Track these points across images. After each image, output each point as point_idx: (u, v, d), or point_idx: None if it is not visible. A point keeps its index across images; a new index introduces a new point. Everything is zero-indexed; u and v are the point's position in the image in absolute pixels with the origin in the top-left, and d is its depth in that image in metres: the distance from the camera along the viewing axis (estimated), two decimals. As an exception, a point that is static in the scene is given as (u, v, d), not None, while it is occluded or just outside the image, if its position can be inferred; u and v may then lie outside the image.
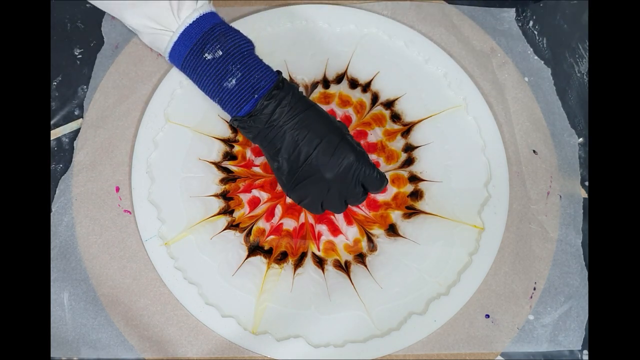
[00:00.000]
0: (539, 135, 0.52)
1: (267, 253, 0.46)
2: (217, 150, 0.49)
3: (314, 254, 0.47)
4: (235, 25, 0.51)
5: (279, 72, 0.43)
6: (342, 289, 0.46)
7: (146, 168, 0.48)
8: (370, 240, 0.47)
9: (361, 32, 0.54)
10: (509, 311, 0.46)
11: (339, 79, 0.52)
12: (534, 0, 0.58)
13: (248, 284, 0.45)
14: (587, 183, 0.51)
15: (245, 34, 0.44)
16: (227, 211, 0.48)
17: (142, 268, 0.46)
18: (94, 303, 0.45)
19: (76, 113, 0.51)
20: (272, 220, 0.48)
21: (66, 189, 0.48)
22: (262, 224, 0.47)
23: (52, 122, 0.50)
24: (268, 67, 0.42)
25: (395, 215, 0.48)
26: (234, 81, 0.41)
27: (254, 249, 0.47)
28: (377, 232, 0.48)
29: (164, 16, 0.41)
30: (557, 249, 0.49)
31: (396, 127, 0.51)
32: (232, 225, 0.47)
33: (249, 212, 0.48)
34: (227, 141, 0.50)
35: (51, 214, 0.47)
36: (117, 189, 0.48)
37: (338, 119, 0.51)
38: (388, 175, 0.49)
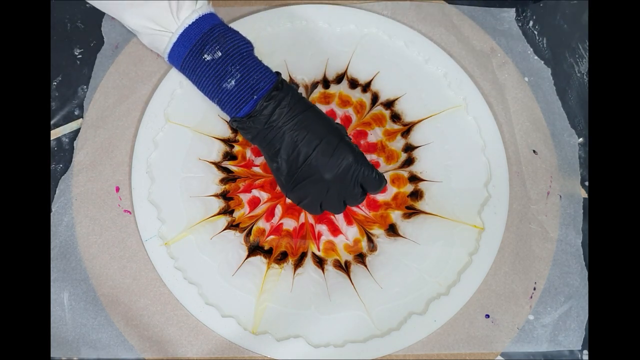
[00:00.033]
0: (539, 135, 0.52)
1: (267, 253, 0.46)
2: (217, 150, 0.49)
3: (314, 254, 0.47)
4: (235, 25, 0.51)
5: (278, 73, 0.43)
6: (342, 289, 0.46)
7: (146, 168, 0.48)
8: (370, 240, 0.47)
9: (361, 32, 0.54)
10: (509, 311, 0.46)
11: (339, 79, 0.52)
12: (534, 0, 0.58)
13: (248, 284, 0.45)
14: (587, 183, 0.51)
15: (245, 34, 0.44)
16: (227, 211, 0.48)
17: (142, 268, 0.46)
18: (94, 303, 0.45)
19: (76, 113, 0.51)
20: (272, 220, 0.48)
21: (66, 189, 0.48)
22: (262, 224, 0.47)
23: (52, 122, 0.50)
24: (267, 68, 0.43)
25: (395, 215, 0.48)
26: (233, 82, 0.41)
27: (254, 249, 0.47)
28: (377, 232, 0.48)
29: (163, 17, 0.41)
30: (557, 249, 0.49)
31: (396, 127, 0.51)
32: (232, 225, 0.47)
33: (249, 212, 0.48)
34: (227, 141, 0.50)
35: (51, 214, 0.47)
36: (117, 189, 0.48)
37: (338, 119, 0.51)
38: (388, 175, 0.49)
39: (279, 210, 0.48)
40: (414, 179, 0.49)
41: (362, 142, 0.50)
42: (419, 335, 0.45)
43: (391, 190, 0.49)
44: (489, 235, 0.48)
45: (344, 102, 0.51)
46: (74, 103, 0.51)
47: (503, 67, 0.54)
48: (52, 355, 0.44)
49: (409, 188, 0.49)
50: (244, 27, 0.51)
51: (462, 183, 0.49)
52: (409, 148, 0.50)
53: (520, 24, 0.56)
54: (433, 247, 0.47)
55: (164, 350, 0.44)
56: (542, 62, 0.55)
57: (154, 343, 0.44)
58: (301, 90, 0.52)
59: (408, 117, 0.51)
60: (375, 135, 0.51)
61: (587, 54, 0.56)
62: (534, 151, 0.51)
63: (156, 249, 0.46)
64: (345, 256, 0.47)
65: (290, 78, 0.52)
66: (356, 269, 0.46)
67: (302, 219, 0.48)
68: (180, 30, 0.42)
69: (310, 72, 0.52)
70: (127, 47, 0.52)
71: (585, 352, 0.46)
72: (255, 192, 0.48)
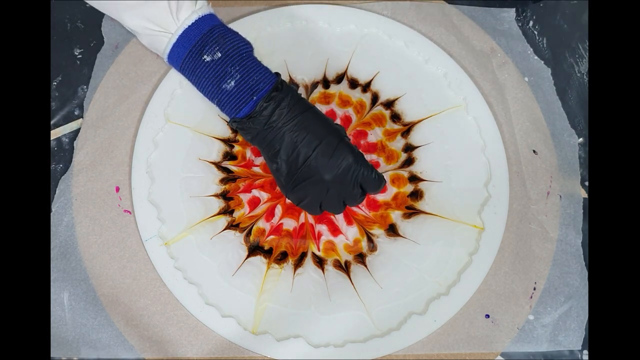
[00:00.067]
0: (539, 135, 0.52)
1: (267, 253, 0.47)
2: (217, 150, 0.49)
3: (314, 254, 0.47)
4: (235, 25, 0.51)
5: (277, 74, 0.43)
6: (342, 289, 0.46)
7: (146, 168, 0.48)
8: (370, 240, 0.47)
9: (361, 32, 0.54)
10: (509, 311, 0.46)
11: (339, 79, 0.52)
12: (534, 0, 0.57)
13: (248, 284, 0.45)
14: (587, 183, 0.51)
15: (245, 34, 0.44)
16: (227, 211, 0.48)
17: (142, 268, 0.46)
18: (94, 303, 0.45)
19: (76, 113, 0.51)
20: (272, 220, 0.48)
21: (66, 189, 0.48)
22: (262, 224, 0.47)
23: (52, 122, 0.50)
24: (267, 68, 0.43)
25: (395, 215, 0.48)
26: (232, 83, 0.41)
27: (254, 249, 0.47)
28: (377, 232, 0.48)
29: (162, 18, 0.41)
30: (557, 249, 0.49)
31: (396, 127, 0.51)
32: (232, 225, 0.47)
33: (249, 212, 0.48)
34: (227, 141, 0.50)
35: (51, 214, 0.47)
36: (117, 189, 0.48)
37: (338, 119, 0.51)
38: (388, 175, 0.49)
39: (279, 210, 0.48)
40: (414, 179, 0.49)
41: (362, 142, 0.50)
42: (419, 335, 0.45)
43: (391, 190, 0.49)
44: (489, 235, 0.48)
45: (344, 102, 0.51)
46: (74, 103, 0.51)
47: (503, 67, 0.54)
48: (52, 355, 0.44)
49: (409, 188, 0.49)
50: (244, 27, 0.51)
51: (462, 183, 0.49)
52: (409, 148, 0.50)
53: (520, 24, 0.56)
54: (433, 247, 0.47)
55: (164, 350, 0.44)
56: (542, 62, 0.55)
57: (154, 343, 0.44)
58: (301, 90, 0.52)
59: (408, 117, 0.51)
60: (375, 135, 0.51)
61: (587, 54, 0.56)
62: (534, 151, 0.51)
63: (156, 249, 0.46)
64: (345, 256, 0.47)
65: (290, 78, 0.52)
66: (356, 269, 0.46)
67: (302, 219, 0.48)
68: (180, 31, 0.42)
69: (310, 72, 0.52)
70: (127, 47, 0.52)
71: (585, 352, 0.46)
72: (255, 192, 0.48)
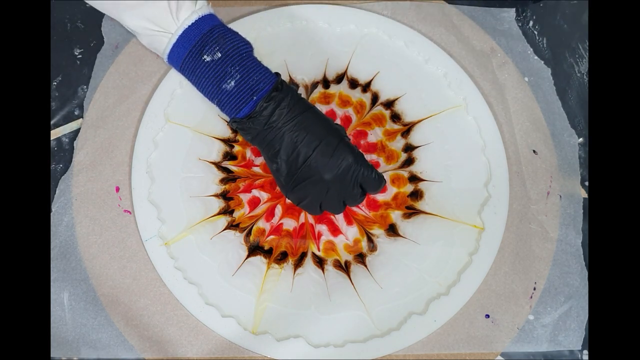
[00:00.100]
0: (539, 135, 0.52)
1: (267, 253, 0.47)
2: (217, 150, 0.49)
3: (314, 254, 0.47)
4: (235, 25, 0.51)
5: (277, 74, 0.43)
6: (342, 289, 0.46)
7: (146, 168, 0.48)
8: (370, 240, 0.47)
9: (361, 32, 0.54)
10: (509, 311, 0.46)
11: (339, 79, 0.52)
12: (534, 0, 0.57)
13: (248, 284, 0.45)
14: (587, 183, 0.51)
15: (245, 34, 0.44)
16: (227, 211, 0.48)
17: (142, 268, 0.46)
18: (94, 303, 0.45)
19: (76, 113, 0.51)
20: (272, 220, 0.48)
21: (66, 189, 0.48)
22: (262, 224, 0.47)
23: (52, 122, 0.50)
24: (267, 69, 0.43)
25: (395, 215, 0.48)
26: (232, 83, 0.41)
27: (254, 249, 0.47)
28: (377, 232, 0.48)
29: (162, 18, 0.41)
30: (557, 249, 0.48)
31: (396, 127, 0.51)
32: (232, 225, 0.47)
33: (249, 212, 0.48)
34: (227, 141, 0.50)
35: (51, 214, 0.47)
36: (117, 189, 0.48)
37: (338, 119, 0.51)
38: (388, 175, 0.49)
39: (279, 210, 0.48)
40: (414, 179, 0.49)
41: (362, 142, 0.50)
42: (419, 335, 0.45)
43: (391, 190, 0.49)
44: (489, 235, 0.48)
45: (344, 102, 0.51)
46: (74, 103, 0.51)
47: (503, 67, 0.54)
48: (52, 355, 0.44)
49: (409, 188, 0.49)
50: (244, 27, 0.51)
51: (462, 183, 0.49)
52: (409, 148, 0.50)
53: (520, 24, 0.56)
54: (433, 247, 0.47)
55: (164, 350, 0.44)
56: (542, 62, 0.55)
57: (154, 343, 0.44)
58: (301, 90, 0.52)
59: (408, 117, 0.51)
60: (375, 135, 0.51)
61: (587, 54, 0.56)
62: (534, 151, 0.51)
63: (156, 249, 0.46)
64: (345, 256, 0.47)
65: (290, 78, 0.52)
66: (356, 269, 0.46)
67: (302, 219, 0.48)
68: (180, 32, 0.42)
69: (310, 72, 0.52)
70: (127, 47, 0.52)
71: (585, 352, 0.46)
72: (255, 192, 0.48)
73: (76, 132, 0.50)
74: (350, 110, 0.51)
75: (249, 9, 0.54)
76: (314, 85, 0.52)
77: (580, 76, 0.55)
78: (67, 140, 0.50)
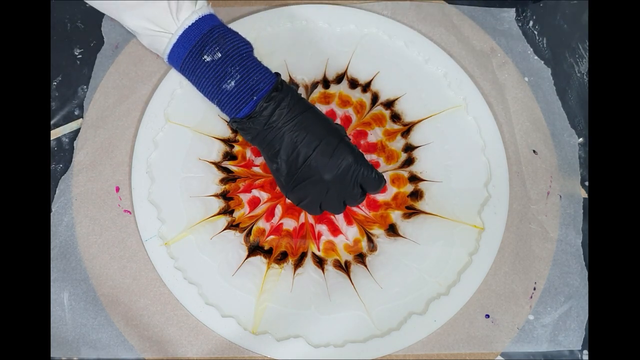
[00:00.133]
0: (539, 135, 0.52)
1: (267, 253, 0.46)
2: (217, 150, 0.49)
3: (314, 254, 0.47)
4: (235, 25, 0.51)
5: (277, 74, 0.43)
6: (342, 289, 0.46)
7: (146, 168, 0.48)
8: (370, 240, 0.47)
9: (361, 32, 0.54)
10: (509, 311, 0.46)
11: (339, 79, 0.52)
12: (534, 0, 0.57)
13: (248, 284, 0.45)
14: (587, 183, 0.51)
15: (245, 34, 0.44)
16: (227, 211, 0.48)
17: (142, 268, 0.46)
18: (94, 303, 0.45)
19: (76, 113, 0.51)
20: (272, 220, 0.48)
21: (66, 189, 0.48)
22: (262, 224, 0.47)
23: (52, 122, 0.50)
24: (267, 69, 0.43)
25: (395, 215, 0.48)
26: (232, 83, 0.41)
27: (254, 249, 0.47)
28: (377, 232, 0.48)
29: (162, 18, 0.41)
30: (557, 249, 0.48)
31: (396, 127, 0.51)
32: (232, 225, 0.47)
33: (249, 212, 0.48)
34: (227, 141, 0.50)
35: (51, 214, 0.47)
36: (117, 189, 0.48)
37: (338, 119, 0.51)
38: (388, 175, 0.49)
39: (279, 210, 0.48)
40: (414, 179, 0.49)
41: (362, 142, 0.50)
42: (419, 335, 0.45)
43: (391, 190, 0.49)
44: (489, 235, 0.48)
45: (344, 102, 0.51)
46: (74, 103, 0.51)
47: (503, 67, 0.54)
48: (52, 355, 0.44)
49: (409, 188, 0.49)
50: (244, 27, 0.51)
51: (462, 183, 0.49)
52: (409, 148, 0.50)
53: (520, 24, 0.56)
54: (433, 247, 0.47)
55: (164, 350, 0.44)
56: (542, 62, 0.55)
57: (154, 343, 0.44)
58: (301, 90, 0.52)
59: (408, 117, 0.51)
60: (375, 135, 0.51)
61: (587, 54, 0.56)
62: (534, 151, 0.51)
63: (156, 249, 0.46)
64: (345, 256, 0.47)
65: (290, 78, 0.52)
66: (356, 269, 0.46)
67: (302, 219, 0.48)
68: (180, 32, 0.42)
69: (310, 72, 0.52)
70: (127, 47, 0.52)
71: (585, 352, 0.46)
72: (255, 192, 0.48)
73: (76, 132, 0.50)
74: (350, 110, 0.51)
75: (249, 9, 0.54)
76: (314, 85, 0.52)
77: (580, 76, 0.55)
78: (67, 140, 0.50)
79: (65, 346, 0.44)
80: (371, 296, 0.46)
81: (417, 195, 0.49)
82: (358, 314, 0.45)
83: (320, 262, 0.46)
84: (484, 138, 0.51)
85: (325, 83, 0.52)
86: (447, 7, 0.56)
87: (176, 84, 0.50)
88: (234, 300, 0.45)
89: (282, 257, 0.46)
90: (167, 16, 0.41)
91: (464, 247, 0.47)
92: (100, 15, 0.53)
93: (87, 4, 0.44)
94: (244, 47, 0.42)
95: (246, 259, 0.46)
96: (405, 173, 0.50)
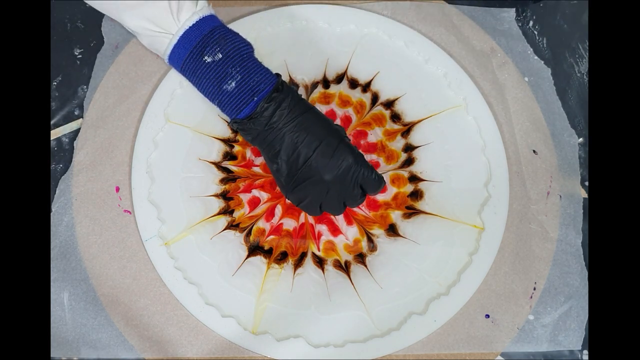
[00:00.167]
0: (539, 135, 0.52)
1: (267, 253, 0.47)
2: (217, 150, 0.49)
3: (314, 254, 0.47)
4: (235, 25, 0.51)
5: (278, 75, 0.43)
6: (342, 289, 0.46)
7: (146, 168, 0.48)
8: (370, 240, 0.47)
9: (361, 32, 0.54)
10: (509, 311, 0.46)
11: (339, 79, 0.52)
12: (534, 0, 0.58)
13: (248, 284, 0.45)
14: (587, 183, 0.51)
15: (245, 34, 0.44)
16: (227, 211, 0.48)
17: (142, 268, 0.46)
18: (94, 303, 0.45)
19: (76, 113, 0.51)
20: (272, 220, 0.48)
21: (66, 189, 0.48)
22: (262, 224, 0.47)
23: (52, 122, 0.50)
24: (267, 69, 0.43)
25: (395, 215, 0.48)
26: (233, 84, 0.41)
27: (254, 249, 0.47)
28: (377, 232, 0.48)
29: (163, 18, 0.41)
30: (557, 249, 0.49)
31: (396, 127, 0.51)
32: (232, 225, 0.47)
33: (249, 212, 0.48)
34: (227, 141, 0.50)
35: (51, 214, 0.47)
36: (117, 189, 0.48)
37: (338, 119, 0.51)
38: (388, 175, 0.49)
39: (279, 210, 0.48)
40: (414, 179, 0.49)
41: (362, 142, 0.50)
42: (419, 335, 0.45)
43: (391, 190, 0.49)
44: (489, 235, 0.48)
45: (344, 102, 0.51)
46: (74, 103, 0.51)
47: (503, 67, 0.54)
48: (52, 355, 0.44)
49: (409, 188, 0.49)
50: (244, 27, 0.51)
51: (462, 183, 0.49)
52: (409, 148, 0.50)
53: (520, 24, 0.56)
54: (433, 247, 0.47)
55: (164, 350, 0.44)
56: (542, 62, 0.55)
57: (154, 343, 0.44)
58: (301, 90, 0.52)
59: (408, 117, 0.51)
60: (375, 135, 0.51)
61: (587, 54, 0.56)
62: (534, 151, 0.51)
63: (156, 249, 0.46)
64: (345, 256, 0.47)
65: (290, 78, 0.52)
66: (356, 269, 0.46)
67: (302, 219, 0.48)
68: (181, 32, 0.42)
69: (310, 72, 0.52)
70: (127, 47, 0.52)
71: (585, 352, 0.46)
72: (255, 192, 0.48)
73: (76, 132, 0.50)
74: (350, 110, 0.51)
75: (249, 9, 0.54)
76: (314, 85, 0.52)
77: (580, 76, 0.55)
78: (67, 140, 0.50)
79: (65, 346, 0.44)
80: (371, 296, 0.46)
81: (417, 195, 0.49)
82: (358, 314, 0.45)
83: (320, 262, 0.46)
84: (484, 138, 0.51)
85: (325, 83, 0.52)
86: (447, 7, 0.56)
87: (176, 84, 0.50)
88: (234, 300, 0.45)
89: (282, 257, 0.46)
90: (167, 17, 0.41)
91: (464, 247, 0.47)
92: (100, 15, 0.53)
93: (87, 4, 0.44)
94: (244, 48, 0.42)
95: (246, 259, 0.46)
96: (405, 173, 0.50)
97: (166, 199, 0.48)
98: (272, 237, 0.47)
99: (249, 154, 0.49)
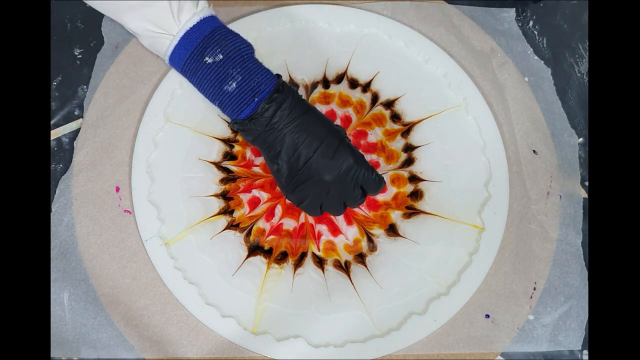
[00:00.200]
0: (539, 135, 0.52)
1: (267, 253, 0.46)
2: (217, 150, 0.49)
3: (314, 254, 0.47)
4: (235, 25, 0.51)
5: (278, 76, 0.43)
6: (342, 289, 0.46)
7: (146, 168, 0.48)
8: (370, 240, 0.47)
9: (361, 32, 0.54)
10: (509, 311, 0.46)
11: (339, 79, 0.52)
12: (534, 0, 0.58)
13: (248, 284, 0.45)
14: (587, 183, 0.51)
15: (245, 34, 0.44)
16: (227, 211, 0.48)
17: (142, 268, 0.46)
18: (94, 303, 0.45)
19: (76, 113, 0.51)
20: (272, 220, 0.48)
21: (66, 189, 0.48)
22: (262, 224, 0.47)
23: (52, 122, 0.50)
24: (268, 70, 0.43)
25: (395, 215, 0.48)
26: (234, 85, 0.41)
27: (254, 249, 0.47)
28: (377, 232, 0.48)
29: (164, 19, 0.41)
30: (557, 249, 0.49)
31: (396, 127, 0.51)
32: (232, 225, 0.47)
33: (249, 212, 0.48)
34: (227, 141, 0.50)
35: (51, 214, 0.47)
36: (117, 189, 0.48)
37: (338, 119, 0.51)
38: (388, 175, 0.49)
39: (279, 210, 0.48)
40: (414, 179, 0.49)
41: (362, 142, 0.50)
42: (419, 335, 0.45)
43: (391, 190, 0.49)
44: (489, 235, 0.48)
45: (344, 102, 0.51)
46: (74, 103, 0.51)
47: (503, 67, 0.54)
48: (52, 355, 0.44)
49: (409, 188, 0.49)
50: (244, 27, 0.51)
51: (462, 183, 0.49)
52: (409, 148, 0.50)
53: (520, 24, 0.56)
54: (433, 247, 0.47)
55: (164, 350, 0.44)
56: (542, 62, 0.55)
57: (154, 343, 0.44)
58: (301, 90, 0.52)
59: (408, 117, 0.51)
60: (375, 135, 0.51)
61: (587, 54, 0.56)
62: (534, 151, 0.51)
63: (156, 249, 0.46)
64: (345, 256, 0.47)
65: (290, 78, 0.52)
66: (356, 269, 0.46)
67: (302, 219, 0.48)
68: (182, 33, 0.41)
69: (310, 72, 0.52)
70: (127, 47, 0.52)
71: (585, 352, 0.46)
72: (255, 192, 0.48)
73: (76, 132, 0.50)
74: (350, 110, 0.51)
75: (249, 9, 0.54)
76: (314, 85, 0.52)
77: (580, 76, 0.55)
78: (67, 140, 0.50)
79: (65, 346, 0.44)
80: (371, 296, 0.46)
81: (417, 195, 0.49)
82: (358, 314, 0.45)
83: (320, 262, 0.46)
84: (484, 138, 0.51)
85: (325, 83, 0.52)
86: (447, 7, 0.56)
87: (176, 84, 0.50)
88: (234, 300, 0.45)
89: (282, 257, 0.46)
90: (168, 18, 0.41)
91: (464, 247, 0.47)
92: (100, 15, 0.53)
93: (87, 4, 0.44)
94: (245, 49, 0.42)
95: (246, 259, 0.46)
96: (405, 173, 0.50)
97: (166, 199, 0.48)
98: (272, 237, 0.47)
99: (249, 154, 0.50)
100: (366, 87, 0.52)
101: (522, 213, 0.49)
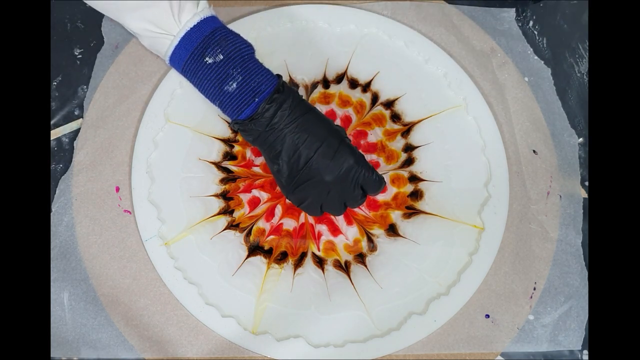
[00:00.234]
0: (539, 135, 0.52)
1: (267, 253, 0.47)
2: (217, 150, 0.49)
3: (314, 254, 0.47)
4: (235, 25, 0.51)
5: (279, 76, 0.43)
6: (342, 289, 0.46)
7: (146, 168, 0.48)
8: (370, 240, 0.47)
9: (361, 32, 0.54)
10: (509, 311, 0.46)
11: (339, 79, 0.52)
12: (534, 0, 0.58)
13: (248, 284, 0.45)
14: (587, 183, 0.51)
15: (245, 34, 0.44)
16: (227, 211, 0.48)
17: (142, 268, 0.46)
18: (94, 303, 0.45)
19: (76, 113, 0.51)
20: (272, 220, 0.48)
21: (66, 189, 0.48)
22: (262, 224, 0.47)
23: (52, 122, 0.50)
24: (268, 70, 0.43)
25: (395, 215, 0.48)
26: (234, 85, 0.41)
27: (254, 249, 0.47)
28: (377, 232, 0.48)
29: (164, 20, 0.41)
30: (557, 249, 0.49)
31: (396, 127, 0.51)
32: (232, 225, 0.47)
33: (249, 212, 0.48)
34: (227, 141, 0.50)
35: (51, 214, 0.47)
36: (117, 189, 0.48)
37: (338, 119, 0.51)
38: (388, 175, 0.49)
39: (279, 210, 0.48)
40: (414, 179, 0.49)
41: (362, 142, 0.50)
42: (419, 335, 0.45)
43: (391, 190, 0.49)
44: (489, 235, 0.48)
45: (344, 102, 0.51)
46: (74, 103, 0.51)
47: (503, 67, 0.54)
48: (52, 355, 0.44)
49: (409, 188, 0.49)
50: (244, 27, 0.51)
51: (462, 183, 0.49)
52: (409, 148, 0.50)
53: (520, 24, 0.56)
54: (433, 247, 0.47)
55: (164, 350, 0.44)
56: (542, 62, 0.55)
57: (154, 343, 0.44)
58: (301, 90, 0.52)
59: (408, 117, 0.51)
60: (375, 135, 0.51)
61: (587, 54, 0.56)
62: (534, 151, 0.51)
63: (156, 249, 0.46)
64: (345, 256, 0.47)
65: (291, 78, 0.52)
66: (356, 269, 0.46)
67: (302, 219, 0.48)
68: (182, 34, 0.41)
69: (310, 72, 0.52)
70: (127, 47, 0.52)
71: (585, 352, 0.46)
72: (255, 192, 0.48)
73: (76, 132, 0.50)
74: (350, 110, 0.51)
75: (249, 9, 0.54)
76: (314, 85, 0.52)
77: (580, 76, 0.55)
78: (67, 140, 0.50)
79: (65, 346, 0.44)
80: (371, 296, 0.46)
81: (417, 195, 0.49)
82: (358, 314, 0.45)
83: (320, 262, 0.46)
84: (484, 138, 0.51)
85: (325, 83, 0.52)
86: (447, 7, 0.56)
87: (176, 84, 0.50)
88: (234, 300, 0.45)
89: (282, 257, 0.46)
90: (168, 18, 0.41)
91: (464, 247, 0.47)
92: (100, 15, 0.53)
93: (87, 4, 0.44)
94: (245, 49, 0.42)
95: (246, 259, 0.46)
96: (405, 173, 0.50)
97: (166, 199, 0.48)
98: (272, 237, 0.47)
99: (249, 154, 0.50)
100: (366, 87, 0.52)
101: (522, 213, 0.49)
